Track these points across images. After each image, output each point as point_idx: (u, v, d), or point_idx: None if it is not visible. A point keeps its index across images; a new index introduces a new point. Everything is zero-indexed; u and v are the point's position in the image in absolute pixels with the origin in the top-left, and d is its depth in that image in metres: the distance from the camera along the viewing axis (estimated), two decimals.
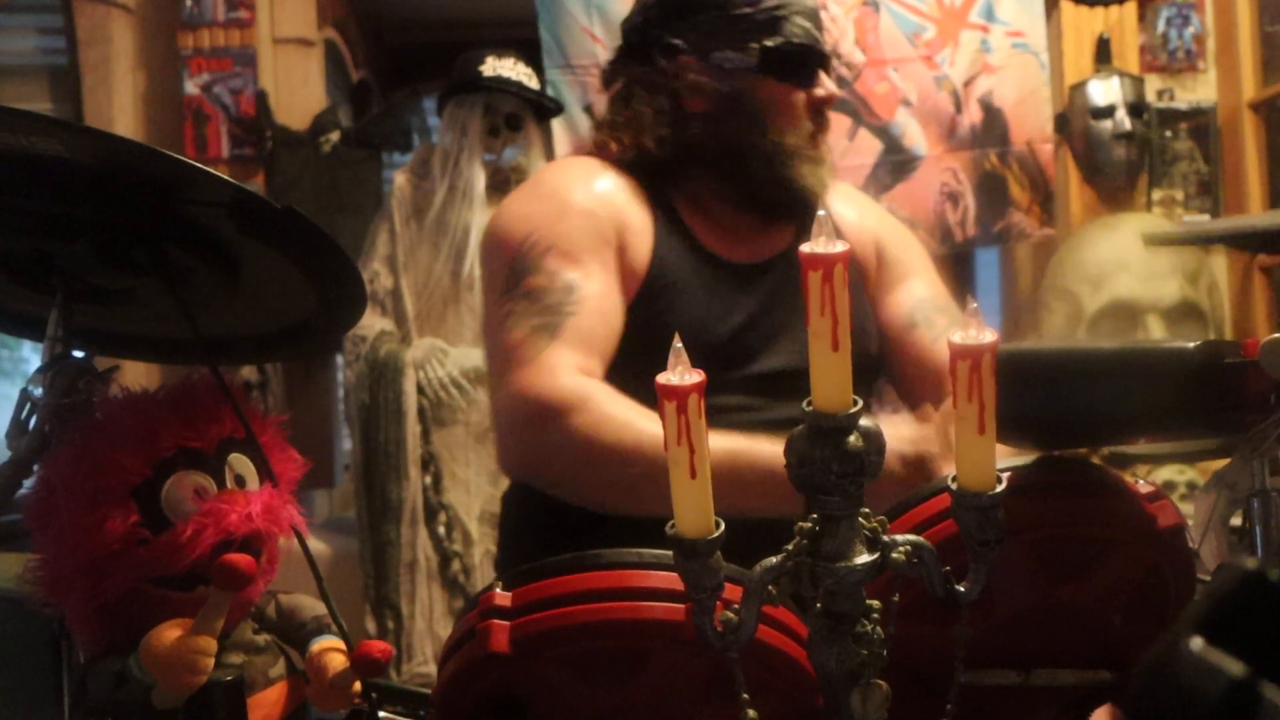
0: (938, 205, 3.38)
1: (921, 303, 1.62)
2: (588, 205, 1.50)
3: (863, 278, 1.63)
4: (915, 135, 3.37)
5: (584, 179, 1.55)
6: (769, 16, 1.52)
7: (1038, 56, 3.42)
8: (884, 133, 3.37)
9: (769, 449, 1.29)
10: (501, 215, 1.57)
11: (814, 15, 1.56)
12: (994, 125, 3.40)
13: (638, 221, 1.51)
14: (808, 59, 1.54)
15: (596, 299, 1.44)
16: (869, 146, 3.35)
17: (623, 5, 3.28)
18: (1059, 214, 3.62)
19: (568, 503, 1.42)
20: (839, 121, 3.29)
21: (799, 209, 1.54)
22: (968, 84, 3.38)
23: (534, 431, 1.40)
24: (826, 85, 1.55)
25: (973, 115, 3.38)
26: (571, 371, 1.38)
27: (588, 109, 3.35)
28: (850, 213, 1.66)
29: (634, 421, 1.33)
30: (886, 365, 1.64)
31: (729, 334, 1.50)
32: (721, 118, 1.54)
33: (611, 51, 1.67)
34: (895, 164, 3.37)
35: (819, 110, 1.56)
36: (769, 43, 1.52)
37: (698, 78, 1.54)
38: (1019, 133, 3.41)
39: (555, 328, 1.41)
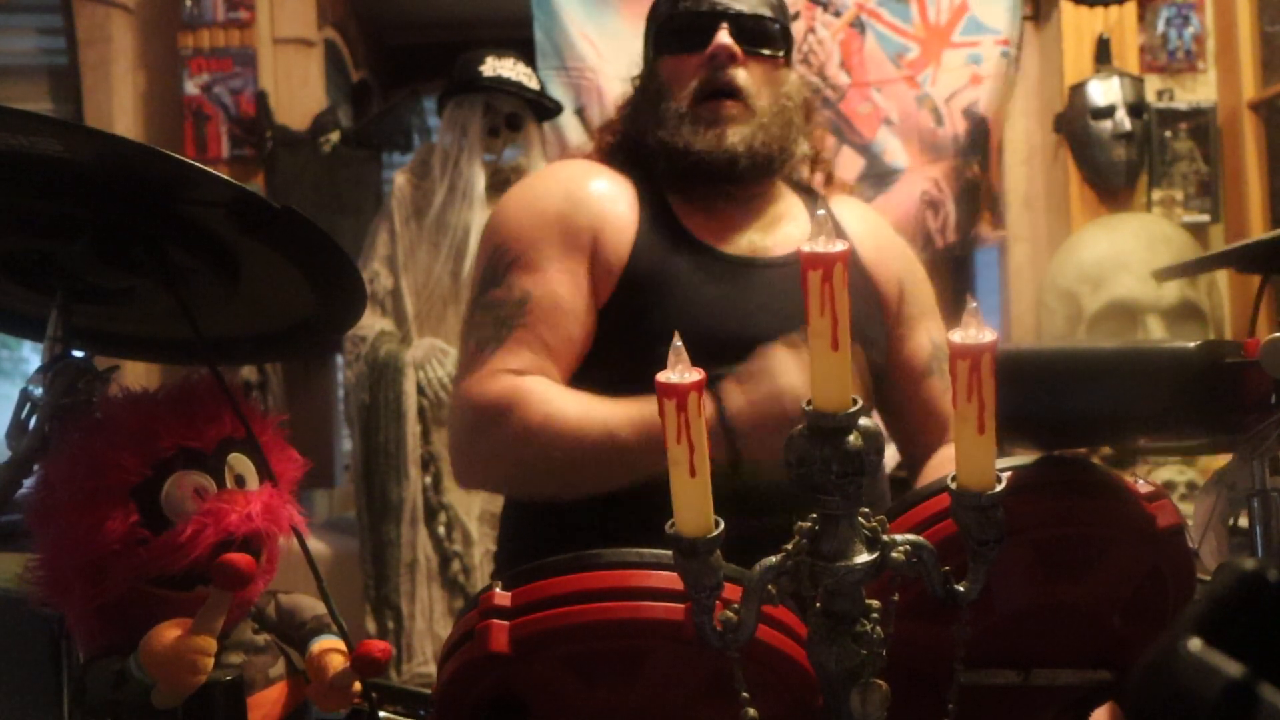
0: (918, 213, 3.49)
1: (938, 349, 1.62)
2: (562, 210, 1.51)
3: (881, 299, 1.61)
4: (896, 151, 3.49)
5: (565, 182, 1.56)
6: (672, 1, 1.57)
7: (1015, 63, 3.50)
8: (866, 150, 3.49)
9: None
10: (490, 220, 1.61)
11: None
12: (978, 134, 3.49)
13: (619, 219, 1.52)
14: (696, 23, 1.54)
15: (550, 308, 1.46)
16: (851, 164, 3.48)
17: (621, 12, 3.35)
18: (1058, 214, 3.62)
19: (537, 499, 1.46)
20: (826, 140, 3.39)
21: (715, 173, 1.53)
22: (950, 98, 3.48)
23: (472, 439, 1.44)
24: (718, 39, 1.52)
25: (956, 126, 3.48)
26: (505, 376, 1.42)
27: (579, 112, 3.37)
28: (870, 239, 1.64)
29: (566, 409, 1.37)
30: (891, 403, 1.62)
31: (718, 327, 1.46)
32: (639, 105, 1.60)
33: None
34: (876, 178, 3.50)
35: (714, 67, 1.53)
36: (661, 23, 1.57)
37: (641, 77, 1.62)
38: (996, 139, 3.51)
39: (501, 339, 1.45)
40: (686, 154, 1.52)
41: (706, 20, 1.53)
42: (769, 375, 1.32)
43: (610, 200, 1.53)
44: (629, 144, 1.60)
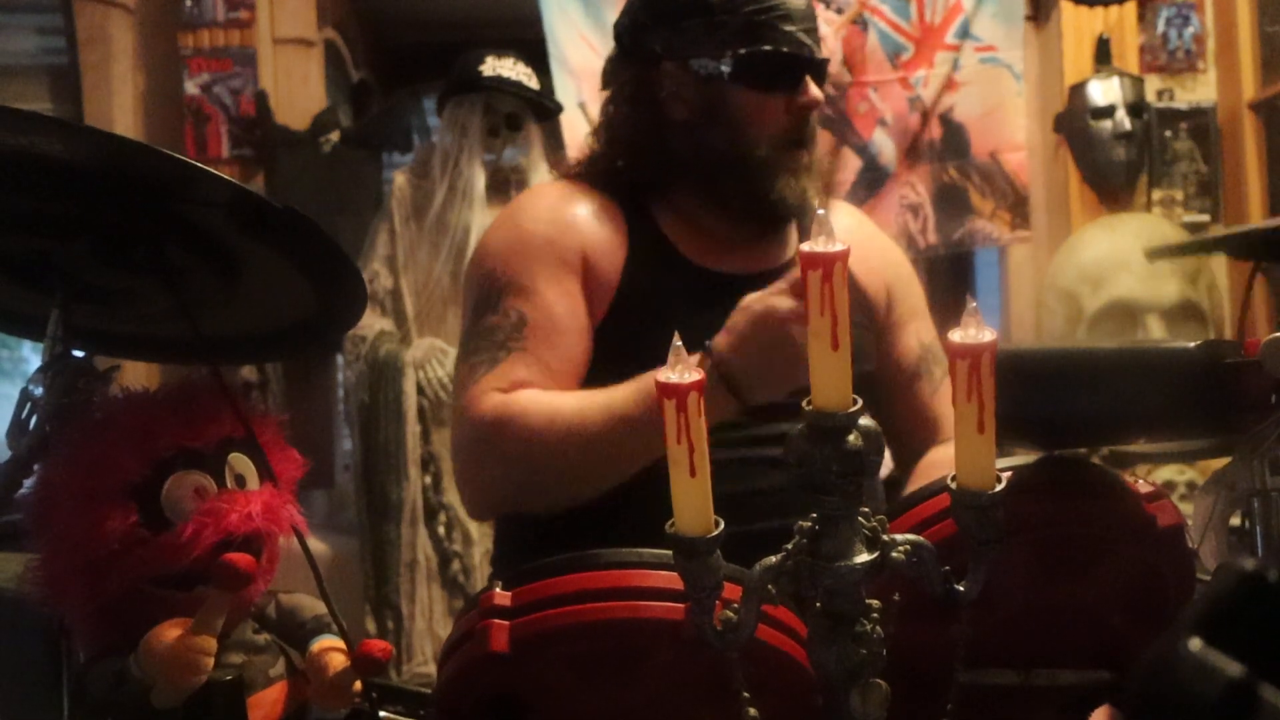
0: (899, 216, 3.52)
1: (927, 351, 1.61)
2: (549, 234, 1.49)
3: (872, 315, 1.60)
4: (889, 154, 3.51)
5: (549, 207, 1.54)
6: (747, 22, 1.47)
7: (1010, 69, 3.50)
8: (863, 151, 3.51)
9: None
10: (476, 251, 1.60)
11: (804, 18, 1.49)
12: (954, 139, 3.52)
13: (606, 241, 1.50)
14: (786, 66, 1.48)
15: (548, 328, 1.45)
16: (850, 164, 3.49)
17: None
18: (1058, 214, 3.62)
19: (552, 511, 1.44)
20: (823, 139, 3.38)
21: (778, 221, 1.53)
22: (934, 103, 3.50)
23: (477, 457, 1.43)
24: (810, 92, 1.49)
25: (933, 131, 3.50)
26: (495, 393, 1.40)
27: (581, 105, 3.38)
28: (856, 245, 1.63)
29: (563, 405, 1.37)
30: (880, 405, 1.58)
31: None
32: (700, 127, 1.51)
33: (609, 54, 1.66)
34: (870, 180, 3.51)
35: (800, 119, 1.51)
36: (742, 50, 1.47)
37: (677, 86, 1.52)
38: (982, 144, 3.51)
39: (498, 360, 1.43)
40: (767, 200, 1.49)
41: (797, 65, 1.48)
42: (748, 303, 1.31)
43: (597, 221, 1.51)
44: (613, 159, 1.56)
